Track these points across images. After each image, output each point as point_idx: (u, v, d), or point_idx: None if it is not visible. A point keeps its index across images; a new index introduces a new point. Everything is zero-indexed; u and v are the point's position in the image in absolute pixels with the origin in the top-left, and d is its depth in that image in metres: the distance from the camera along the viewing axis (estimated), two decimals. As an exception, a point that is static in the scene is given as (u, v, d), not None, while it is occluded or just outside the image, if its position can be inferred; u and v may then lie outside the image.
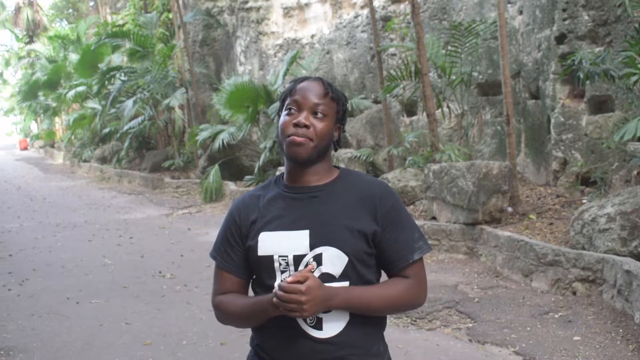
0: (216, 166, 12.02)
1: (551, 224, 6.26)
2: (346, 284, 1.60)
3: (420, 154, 8.91)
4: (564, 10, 7.01)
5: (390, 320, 4.91)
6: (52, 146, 29.58)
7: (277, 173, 1.76)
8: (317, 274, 1.58)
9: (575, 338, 4.24)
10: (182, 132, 15.49)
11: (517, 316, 4.77)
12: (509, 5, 8.38)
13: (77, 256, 7.77)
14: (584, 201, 6.50)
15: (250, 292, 1.75)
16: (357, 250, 1.61)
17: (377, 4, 10.83)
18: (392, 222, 1.65)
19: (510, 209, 6.74)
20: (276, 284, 1.53)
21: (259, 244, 1.64)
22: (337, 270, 1.60)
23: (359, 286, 1.61)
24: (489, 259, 6.27)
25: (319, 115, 1.63)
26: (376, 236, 1.63)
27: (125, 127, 15.38)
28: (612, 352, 3.96)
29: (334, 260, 1.59)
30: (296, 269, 1.59)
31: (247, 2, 14.37)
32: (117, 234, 9.27)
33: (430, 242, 6.88)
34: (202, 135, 12.33)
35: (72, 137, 22.49)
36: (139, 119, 15.24)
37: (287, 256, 1.61)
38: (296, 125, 1.61)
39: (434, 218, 7.27)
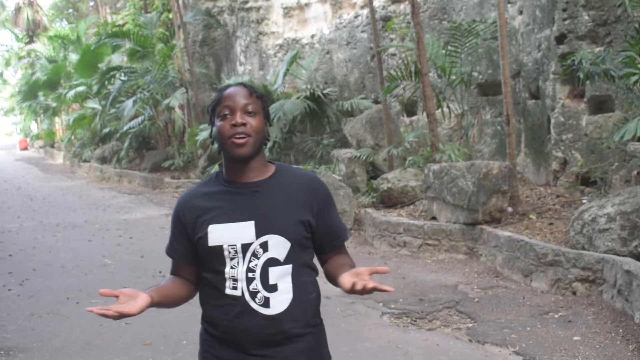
0: (216, 166, 12.01)
1: (551, 224, 6.26)
2: (290, 266, 1.81)
3: (420, 154, 8.91)
4: (564, 10, 7.01)
5: (390, 320, 4.92)
6: (52, 146, 29.57)
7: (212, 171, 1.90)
8: (263, 258, 1.79)
9: (575, 338, 4.24)
10: (182, 132, 15.49)
11: (517, 316, 4.77)
12: (509, 5, 8.38)
13: (77, 256, 7.77)
14: (584, 201, 6.50)
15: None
16: (298, 236, 1.82)
17: (377, 4, 10.83)
18: (325, 210, 1.89)
19: (510, 209, 6.74)
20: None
21: (209, 236, 1.81)
22: (281, 255, 1.81)
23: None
24: (489, 259, 6.27)
25: (251, 113, 1.81)
26: (312, 223, 1.85)
27: (125, 127, 15.38)
28: (612, 352, 3.96)
29: (279, 246, 1.80)
30: (244, 256, 1.80)
31: (247, 2, 14.37)
32: (117, 234, 9.27)
33: (430, 242, 6.92)
34: (202, 135, 12.33)
35: (72, 137, 22.48)
36: (139, 119, 15.24)
37: (235, 245, 1.80)
38: (234, 125, 1.79)
39: (434, 218, 7.27)
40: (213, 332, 1.87)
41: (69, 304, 5.68)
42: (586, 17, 6.82)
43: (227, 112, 1.81)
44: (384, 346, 4.34)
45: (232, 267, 1.80)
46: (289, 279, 1.82)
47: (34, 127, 37.93)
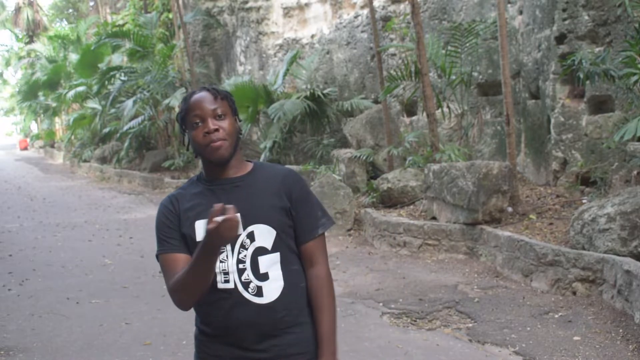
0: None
1: (551, 224, 6.26)
2: (277, 254, 1.85)
3: (420, 154, 8.90)
4: (564, 10, 7.01)
5: (390, 320, 4.92)
6: (52, 146, 29.57)
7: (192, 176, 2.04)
8: (252, 248, 1.84)
9: (575, 338, 4.24)
10: (182, 132, 15.47)
11: (517, 316, 4.77)
12: (509, 5, 8.38)
13: (77, 256, 7.77)
14: (584, 201, 6.50)
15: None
16: (282, 224, 1.87)
17: (377, 4, 10.83)
18: (301, 201, 1.91)
19: (510, 209, 6.74)
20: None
21: (196, 231, 1.83)
22: (268, 244, 1.85)
23: (323, 330, 1.88)
24: (489, 259, 6.27)
25: (221, 116, 1.85)
26: (291, 212, 1.89)
27: (125, 127, 15.38)
28: (612, 352, 3.96)
29: (265, 235, 1.85)
30: (232, 247, 1.83)
31: (247, 2, 14.37)
32: (117, 234, 9.27)
33: (430, 242, 6.91)
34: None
35: (72, 137, 22.47)
36: (139, 119, 15.24)
37: None
38: (207, 133, 1.83)
39: (434, 218, 7.27)
40: (207, 331, 1.88)
41: (69, 304, 5.68)
42: (586, 17, 6.82)
43: (197, 121, 1.84)
44: (384, 346, 4.35)
45: (221, 261, 1.82)
46: (279, 266, 1.86)
47: (34, 127, 37.92)
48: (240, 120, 1.98)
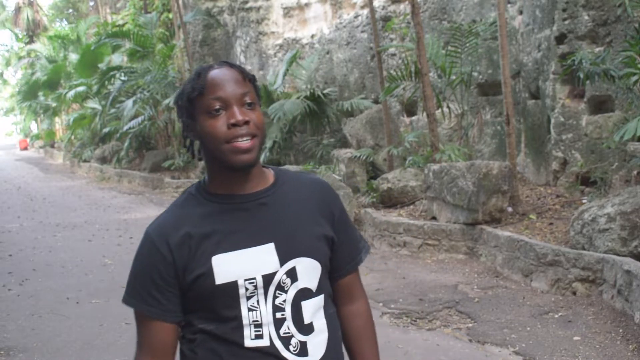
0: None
1: (551, 224, 6.26)
2: (322, 297, 1.43)
3: (420, 154, 8.91)
4: (564, 10, 7.01)
5: (390, 320, 4.92)
6: (52, 146, 29.58)
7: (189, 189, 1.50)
8: (292, 291, 1.37)
9: (575, 338, 4.24)
10: (182, 132, 15.47)
11: (517, 316, 4.77)
12: (509, 5, 8.38)
13: (77, 256, 7.77)
14: (584, 201, 6.50)
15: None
16: (326, 257, 1.45)
17: (377, 4, 10.83)
18: (343, 224, 1.51)
19: (510, 209, 6.74)
20: None
21: (215, 270, 1.33)
22: (313, 283, 1.41)
23: None
24: (489, 259, 6.27)
25: (251, 104, 1.37)
26: (335, 238, 1.48)
27: (125, 127, 15.38)
28: (612, 352, 3.96)
29: (310, 272, 1.40)
30: (266, 292, 1.35)
31: (247, 2, 14.37)
32: (117, 234, 9.27)
33: (430, 242, 6.90)
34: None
35: (72, 137, 22.49)
36: (139, 119, 15.24)
37: (254, 278, 1.34)
38: (234, 125, 1.33)
39: (434, 218, 7.27)
40: None
41: (69, 304, 5.68)
42: (586, 17, 6.82)
43: (218, 106, 1.34)
44: (384, 346, 4.33)
45: (250, 309, 1.35)
46: (322, 313, 1.43)
47: (34, 127, 37.93)
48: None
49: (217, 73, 1.36)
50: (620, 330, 4.23)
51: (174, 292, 1.37)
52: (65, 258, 7.68)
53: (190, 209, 1.41)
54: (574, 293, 5.05)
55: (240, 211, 1.39)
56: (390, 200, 8.32)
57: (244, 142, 1.34)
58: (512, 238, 5.84)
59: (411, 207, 8.04)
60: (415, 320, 4.88)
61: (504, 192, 6.56)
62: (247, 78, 1.39)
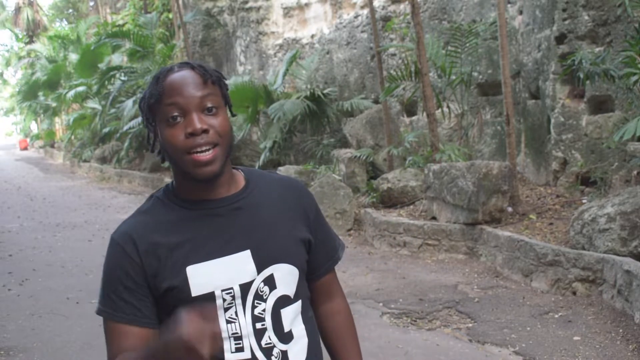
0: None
1: (551, 224, 6.26)
2: (299, 303, 1.38)
3: (420, 154, 8.91)
4: (564, 10, 7.01)
5: (390, 320, 4.92)
6: (52, 146, 29.59)
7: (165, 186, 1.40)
8: (272, 299, 1.32)
9: (575, 338, 4.24)
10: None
11: (517, 316, 4.77)
12: (509, 5, 8.38)
13: (77, 256, 7.77)
14: (584, 201, 6.50)
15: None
16: (304, 260, 1.39)
17: (377, 4, 10.83)
18: (319, 225, 1.46)
19: (510, 209, 6.74)
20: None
21: (191, 281, 1.26)
22: (291, 290, 1.35)
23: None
24: (489, 259, 6.27)
25: (211, 109, 1.27)
26: (311, 240, 1.42)
27: (125, 127, 15.39)
28: (612, 352, 3.96)
29: (288, 278, 1.34)
30: (244, 302, 1.28)
31: (247, 2, 14.37)
32: (117, 234, 9.26)
33: (430, 242, 6.90)
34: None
35: (72, 137, 22.50)
36: (139, 119, 15.20)
37: (231, 288, 1.28)
38: (192, 134, 1.24)
39: (434, 218, 7.27)
40: None
41: (69, 304, 5.68)
42: (586, 17, 6.82)
43: (176, 114, 1.25)
44: (384, 346, 4.34)
45: (229, 321, 1.28)
46: (300, 319, 1.38)
47: (34, 127, 37.95)
48: (234, 114, 1.43)
49: (176, 77, 1.27)
50: (620, 330, 4.23)
51: (147, 295, 1.29)
52: (65, 258, 7.68)
53: (159, 216, 1.33)
54: (574, 293, 5.05)
55: (213, 217, 1.32)
56: (390, 200, 8.33)
57: (204, 155, 1.25)
58: (512, 238, 5.84)
59: (411, 207, 8.04)
60: (415, 320, 4.87)
61: (504, 192, 6.56)
62: (210, 79, 1.28)
